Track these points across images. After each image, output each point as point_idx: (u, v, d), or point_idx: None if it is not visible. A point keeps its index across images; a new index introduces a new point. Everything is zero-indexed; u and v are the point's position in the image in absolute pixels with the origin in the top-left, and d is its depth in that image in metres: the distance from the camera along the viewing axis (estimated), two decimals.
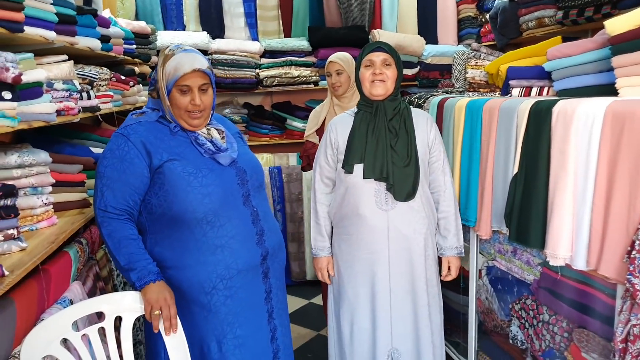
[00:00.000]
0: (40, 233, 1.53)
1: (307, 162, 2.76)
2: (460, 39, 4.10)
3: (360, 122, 1.92)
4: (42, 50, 1.74)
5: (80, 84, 1.88)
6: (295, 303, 3.54)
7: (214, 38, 3.73)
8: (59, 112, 1.68)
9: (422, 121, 1.97)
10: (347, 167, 1.90)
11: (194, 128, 1.62)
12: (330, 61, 2.63)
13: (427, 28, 4.08)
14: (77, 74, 1.87)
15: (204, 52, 3.57)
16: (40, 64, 1.66)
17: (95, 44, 2.08)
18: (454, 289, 2.50)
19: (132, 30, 2.90)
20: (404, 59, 3.92)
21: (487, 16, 3.57)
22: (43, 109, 1.49)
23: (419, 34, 4.04)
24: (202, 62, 1.58)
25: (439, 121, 2.47)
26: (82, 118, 1.90)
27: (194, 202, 1.56)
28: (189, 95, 1.57)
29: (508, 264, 2.05)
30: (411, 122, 1.92)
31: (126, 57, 2.65)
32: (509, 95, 2.25)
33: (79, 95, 1.76)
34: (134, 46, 2.81)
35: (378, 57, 1.88)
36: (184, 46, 1.62)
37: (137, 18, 3.61)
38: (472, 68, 2.54)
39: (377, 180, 1.86)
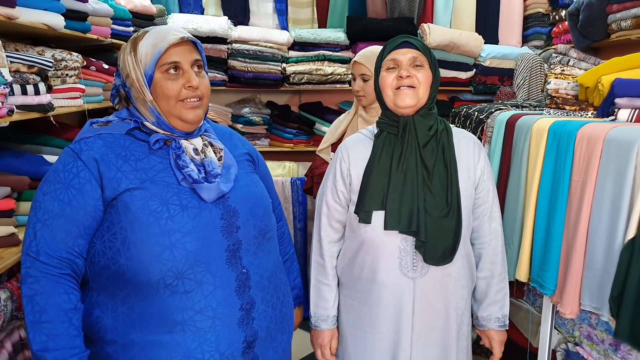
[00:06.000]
0: None
1: (311, 184, 2.19)
2: (525, 40, 3.56)
3: (382, 148, 1.36)
4: None
5: (21, 73, 1.38)
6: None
7: (236, 25, 3.22)
8: None
9: (468, 147, 1.41)
10: (363, 215, 1.34)
11: (189, 126, 1.16)
12: (355, 62, 2.00)
13: (487, 25, 3.50)
14: (19, 59, 1.37)
15: (223, 41, 3.07)
16: None
17: (56, 21, 1.57)
18: None
19: (132, 10, 2.42)
20: (458, 59, 3.33)
21: (564, 13, 3.02)
22: None
23: (476, 31, 3.47)
24: (189, 35, 1.15)
25: (507, 145, 1.87)
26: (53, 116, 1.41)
27: (148, 257, 1.07)
28: (181, 77, 1.12)
29: (603, 358, 1.45)
30: (452, 151, 1.35)
31: (115, 42, 2.15)
32: (612, 118, 1.64)
33: (9, 90, 1.25)
34: (131, 29, 2.33)
35: (405, 55, 1.33)
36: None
37: None
38: (557, 77, 1.92)
39: (404, 233, 1.31)
